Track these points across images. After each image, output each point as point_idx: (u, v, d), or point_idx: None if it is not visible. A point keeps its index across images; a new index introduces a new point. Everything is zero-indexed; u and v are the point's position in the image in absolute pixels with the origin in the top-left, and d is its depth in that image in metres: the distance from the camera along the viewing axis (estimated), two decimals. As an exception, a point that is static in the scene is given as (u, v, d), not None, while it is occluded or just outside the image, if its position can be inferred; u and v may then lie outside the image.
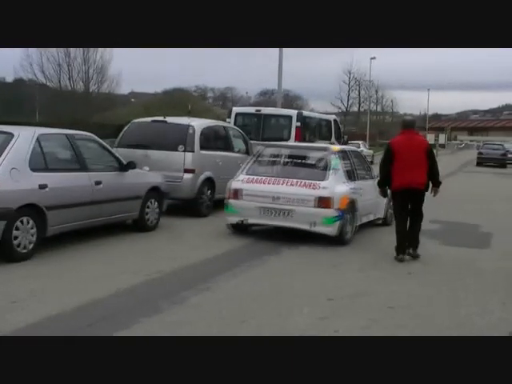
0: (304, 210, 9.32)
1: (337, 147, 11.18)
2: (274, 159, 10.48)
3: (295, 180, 9.61)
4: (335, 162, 9.89)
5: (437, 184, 8.98)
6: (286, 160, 10.36)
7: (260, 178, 9.89)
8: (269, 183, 9.74)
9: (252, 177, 9.97)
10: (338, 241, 9.53)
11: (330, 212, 9.30)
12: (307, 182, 9.53)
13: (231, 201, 9.92)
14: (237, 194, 9.87)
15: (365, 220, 10.65)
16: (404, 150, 8.56)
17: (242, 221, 9.86)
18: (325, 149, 10.48)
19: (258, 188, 9.73)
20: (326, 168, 9.83)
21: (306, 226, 9.39)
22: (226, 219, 10.16)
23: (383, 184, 9.02)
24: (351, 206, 9.72)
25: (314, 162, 10.16)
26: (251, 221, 9.84)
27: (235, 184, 9.97)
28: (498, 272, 8.22)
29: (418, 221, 8.93)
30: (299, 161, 10.28)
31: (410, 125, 8.95)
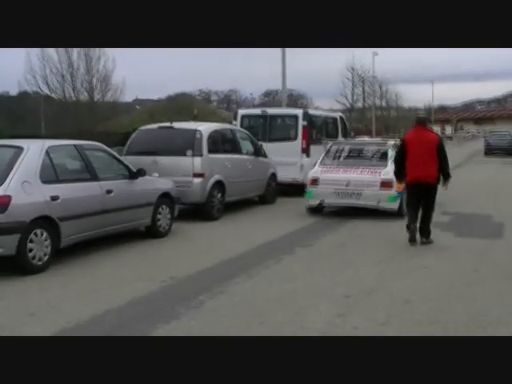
0: (371, 192, 11.77)
1: (391, 142, 13.46)
2: (341, 153, 12.93)
3: (361, 168, 12.09)
4: (392, 153, 11.92)
5: (446, 177, 9.45)
6: (352, 153, 12.85)
7: (333, 168, 12.43)
8: (340, 172, 12.22)
9: (326, 167, 12.53)
10: (397, 214, 11.70)
11: (392, 192, 11.61)
12: (371, 169, 12.03)
13: (311, 188, 12.42)
14: (315, 181, 12.36)
15: None
16: (415, 145, 9.29)
17: (321, 202, 12.33)
18: (382, 143, 13.27)
19: (332, 176, 12.20)
20: (385, 158, 12.27)
21: (373, 203, 11.75)
22: (306, 203, 12.65)
23: (398, 175, 9.82)
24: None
25: (374, 154, 12.54)
26: (328, 202, 12.34)
27: (314, 174, 12.52)
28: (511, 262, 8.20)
29: (429, 212, 9.49)
30: (362, 153, 12.74)
31: (422, 122, 9.75)
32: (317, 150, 16.79)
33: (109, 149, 9.74)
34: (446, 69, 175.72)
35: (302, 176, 16.17)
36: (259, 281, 7.26)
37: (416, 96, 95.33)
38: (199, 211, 12.00)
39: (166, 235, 10.18)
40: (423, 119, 10.01)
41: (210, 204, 11.92)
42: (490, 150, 40.72)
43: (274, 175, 14.97)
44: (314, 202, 12.39)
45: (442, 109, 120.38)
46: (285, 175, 15.68)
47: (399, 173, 9.66)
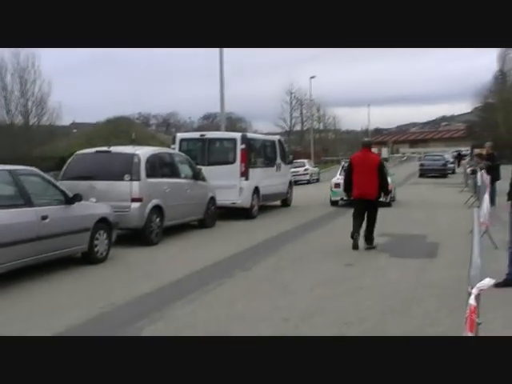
0: None
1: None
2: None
3: None
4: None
5: (386, 192, 11.74)
6: None
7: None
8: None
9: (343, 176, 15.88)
10: (387, 205, 15.39)
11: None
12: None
13: (335, 189, 19.82)
14: (338, 185, 18.89)
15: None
16: (360, 165, 11.06)
17: (341, 198, 18.52)
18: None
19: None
20: None
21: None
22: (331, 198, 20.32)
23: (346, 190, 11.59)
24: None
25: None
26: (346, 198, 14.62)
27: (336, 180, 19.83)
28: (446, 281, 8.39)
29: (372, 222, 11.22)
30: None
31: (367, 145, 11.71)
32: (256, 173, 16.94)
33: (44, 174, 9.56)
34: (381, 93, 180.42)
35: (241, 199, 16.25)
36: (199, 306, 7.22)
37: (353, 119, 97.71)
38: (138, 236, 11.87)
39: (104, 261, 10.02)
40: (368, 143, 11.91)
41: (148, 229, 11.81)
42: (425, 172, 41.77)
43: (213, 199, 14.97)
44: (337, 198, 19.69)
45: (378, 131, 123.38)
46: (224, 198, 15.71)
47: (347, 188, 11.46)
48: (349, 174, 11.32)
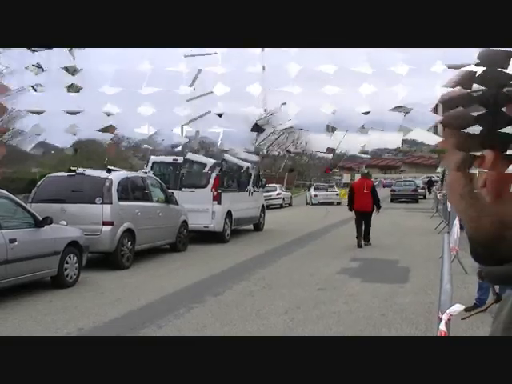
0: (335, 198, 40.01)
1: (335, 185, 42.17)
2: (319, 186, 44.06)
3: (327, 191, 41.86)
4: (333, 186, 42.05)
5: (378, 207, 16.23)
6: (323, 186, 44.19)
7: (319, 191, 41.87)
8: (322, 192, 41.62)
9: (317, 191, 42.12)
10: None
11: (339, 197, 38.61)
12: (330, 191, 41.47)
13: (314, 198, 40.65)
14: (316, 196, 40.86)
15: None
16: (359, 188, 15.81)
17: (318, 201, 39.71)
18: (332, 184, 46.58)
19: (321, 194, 41.27)
20: (332, 187, 44.43)
21: (335, 201, 39.03)
22: (312, 203, 40.04)
23: (349, 205, 16.08)
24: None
25: (328, 187, 43.45)
26: (321, 202, 39.44)
27: (313, 193, 41.56)
28: (417, 306, 8.43)
29: (368, 226, 15.89)
30: (325, 186, 44.29)
31: (364, 175, 16.75)
32: (228, 197, 16.92)
33: (13, 196, 9.44)
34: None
35: (214, 223, 16.19)
36: (168, 331, 7.14)
37: (326, 143, 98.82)
38: (109, 260, 11.75)
39: (74, 285, 9.88)
40: (365, 174, 16.89)
41: (119, 252, 11.70)
42: (396, 197, 42.09)
43: (185, 222, 14.91)
44: (316, 202, 39.29)
45: (352, 157, 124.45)
46: (196, 222, 15.65)
47: (350, 204, 15.96)
48: (351, 194, 16.01)
